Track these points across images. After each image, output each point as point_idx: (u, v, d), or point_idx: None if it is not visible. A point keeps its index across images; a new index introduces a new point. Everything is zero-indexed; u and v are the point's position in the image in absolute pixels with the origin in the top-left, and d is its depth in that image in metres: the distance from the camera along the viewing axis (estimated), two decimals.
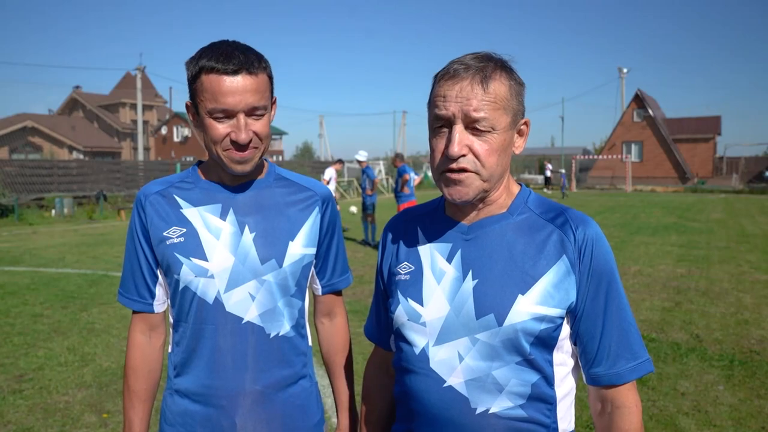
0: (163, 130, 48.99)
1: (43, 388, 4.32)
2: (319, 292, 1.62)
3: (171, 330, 1.49)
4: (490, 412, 1.15)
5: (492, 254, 1.19)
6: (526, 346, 1.14)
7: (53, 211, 19.16)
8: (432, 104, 1.18)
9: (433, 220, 1.31)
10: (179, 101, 53.73)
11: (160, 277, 1.47)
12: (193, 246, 1.40)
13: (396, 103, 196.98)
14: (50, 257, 10.63)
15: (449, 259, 1.23)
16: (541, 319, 1.13)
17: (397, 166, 10.76)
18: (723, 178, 40.99)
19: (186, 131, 46.68)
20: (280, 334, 1.45)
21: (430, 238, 1.28)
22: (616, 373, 1.17)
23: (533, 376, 1.15)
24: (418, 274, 1.27)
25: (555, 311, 1.14)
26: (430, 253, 1.26)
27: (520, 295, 1.14)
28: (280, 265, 1.44)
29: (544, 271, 1.15)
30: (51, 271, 9.21)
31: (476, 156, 1.13)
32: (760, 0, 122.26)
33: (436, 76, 1.19)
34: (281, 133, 58.96)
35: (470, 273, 1.19)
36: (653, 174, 40.77)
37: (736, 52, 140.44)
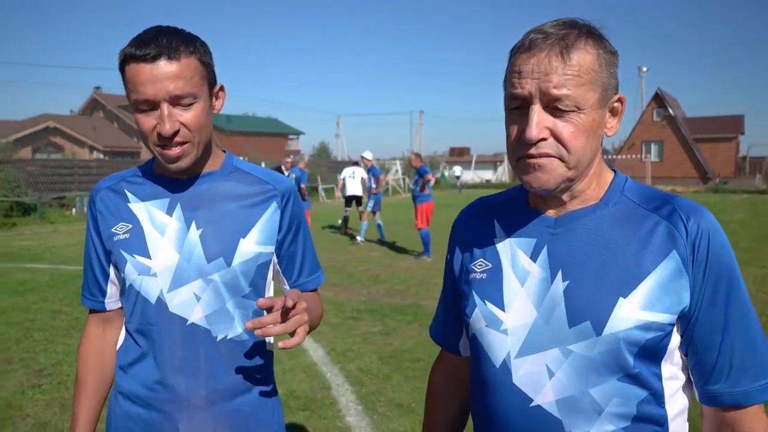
0: None
1: (61, 383, 4.35)
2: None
3: (123, 327, 1.44)
4: None
5: (585, 251, 1.01)
6: (630, 359, 0.96)
7: (74, 210, 19.42)
8: (507, 82, 1.01)
9: (513, 211, 1.13)
10: None
11: (111, 274, 1.41)
12: (137, 242, 1.33)
13: (413, 102, 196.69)
14: (70, 255, 10.75)
15: (534, 257, 1.05)
16: (648, 326, 0.95)
17: (416, 166, 10.70)
18: (746, 178, 40.36)
19: None
20: (228, 337, 1.34)
21: (510, 233, 1.10)
22: (742, 393, 0.97)
23: (639, 393, 0.98)
24: (496, 273, 1.10)
25: (664, 317, 0.96)
26: (510, 249, 1.09)
27: (621, 299, 0.96)
28: (229, 264, 1.33)
29: (650, 270, 0.97)
30: (70, 268, 9.30)
31: (559, 139, 0.96)
32: None
33: (512, 49, 1.01)
34: (298, 133, 59.18)
35: (560, 273, 1.02)
36: (673, 174, 40.22)
37: (759, 49, 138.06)
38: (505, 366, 1.04)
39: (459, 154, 54.41)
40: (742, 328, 0.98)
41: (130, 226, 1.34)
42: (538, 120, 0.95)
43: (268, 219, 1.39)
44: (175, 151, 1.25)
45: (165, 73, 1.19)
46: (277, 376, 4.37)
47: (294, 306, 1.14)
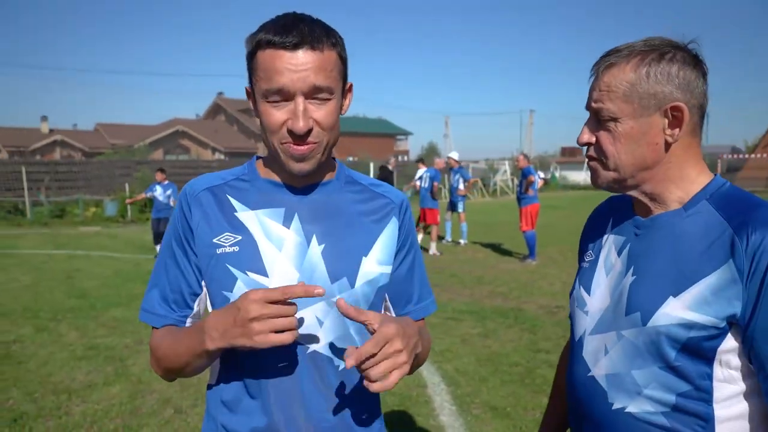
0: None
1: None
2: None
3: (218, 359, 1.23)
4: (626, 410, 1.12)
5: (655, 251, 1.13)
6: (671, 352, 1.06)
7: None
8: None
9: (623, 212, 1.27)
10: None
11: (203, 290, 1.23)
12: (250, 257, 1.16)
13: (523, 101, 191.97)
14: None
15: (619, 253, 1.21)
16: (690, 326, 1.03)
17: (521, 167, 10.52)
18: None
19: None
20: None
21: (614, 231, 1.26)
22: None
23: (680, 386, 1.06)
24: (594, 264, 1.27)
25: (709, 320, 1.02)
26: (607, 245, 1.26)
27: (671, 297, 1.06)
28: (353, 285, 1.20)
29: (705, 275, 1.03)
30: None
31: (598, 145, 1.15)
32: None
33: None
34: (406, 134, 59.81)
35: (632, 269, 1.16)
36: None
37: None
38: (581, 340, 1.24)
39: (571, 154, 52.36)
40: None
41: (239, 237, 1.18)
42: (586, 128, 1.18)
43: (389, 236, 1.27)
44: (303, 148, 1.12)
45: (306, 63, 1.08)
46: None
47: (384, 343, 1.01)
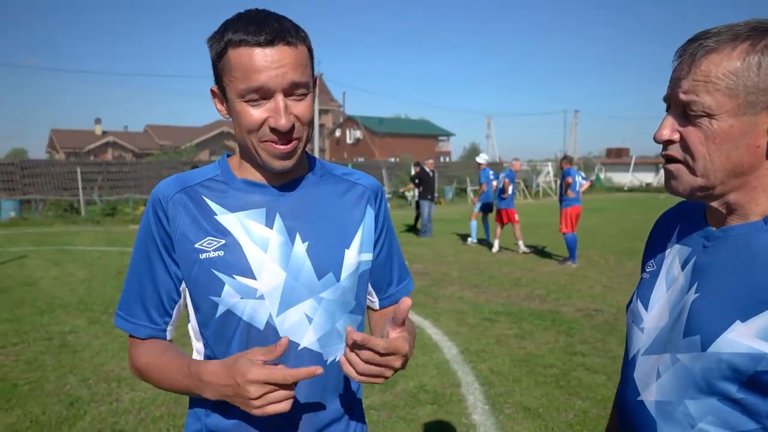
0: (337, 133, 52.25)
1: None
2: (377, 306, 1.37)
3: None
4: None
5: (724, 267, 0.98)
6: (733, 384, 0.91)
7: None
8: None
9: (693, 219, 1.12)
10: (352, 105, 56.75)
11: (182, 295, 1.22)
12: (237, 261, 1.15)
13: (567, 101, 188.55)
14: None
15: (683, 266, 1.06)
16: (759, 357, 0.88)
17: (563, 168, 10.44)
18: None
19: (357, 133, 49.20)
20: (337, 359, 1.21)
21: (680, 239, 1.12)
22: None
23: (744, 424, 0.92)
24: (655, 276, 1.13)
25: None
26: (671, 255, 1.11)
27: (738, 322, 0.91)
28: (338, 279, 1.20)
29: None
30: None
31: (685, 144, 0.96)
32: None
33: None
34: (448, 135, 59.62)
35: (695, 285, 1.01)
36: None
37: None
38: (634, 360, 1.10)
39: (617, 155, 51.26)
40: None
41: (223, 241, 1.16)
42: (668, 123, 0.99)
43: (367, 224, 1.28)
44: (287, 146, 1.12)
45: (283, 58, 1.07)
46: (410, 369, 4.64)
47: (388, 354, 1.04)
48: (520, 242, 11.50)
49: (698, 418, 0.96)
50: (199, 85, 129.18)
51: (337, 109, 58.61)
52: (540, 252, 11.40)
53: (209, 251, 1.15)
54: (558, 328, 5.90)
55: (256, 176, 1.22)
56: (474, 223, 12.69)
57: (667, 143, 0.99)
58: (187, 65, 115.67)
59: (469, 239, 12.69)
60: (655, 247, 1.19)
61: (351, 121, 50.38)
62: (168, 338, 1.25)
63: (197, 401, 1.22)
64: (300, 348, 1.18)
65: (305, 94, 1.13)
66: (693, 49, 0.94)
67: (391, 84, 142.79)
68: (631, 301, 1.19)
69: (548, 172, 37.09)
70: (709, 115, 0.93)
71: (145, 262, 1.20)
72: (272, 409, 1.01)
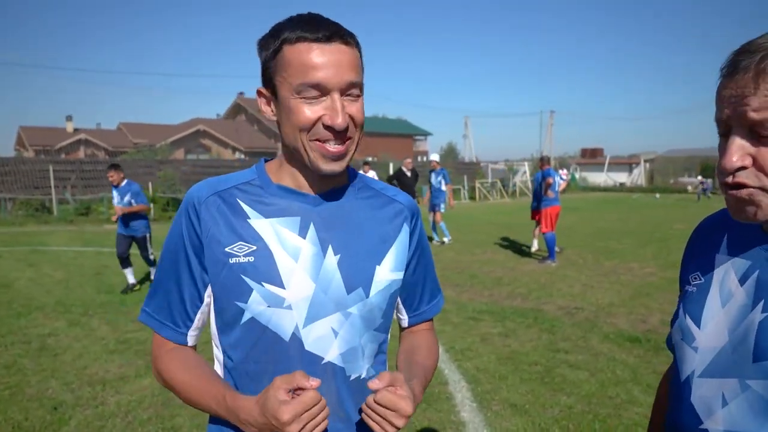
0: None
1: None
2: (405, 323, 1.37)
3: (219, 369, 1.22)
4: None
5: None
6: None
7: None
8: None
9: (745, 229, 1.03)
10: None
11: (206, 301, 1.20)
12: (267, 268, 1.12)
13: (543, 102, 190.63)
14: None
15: (742, 281, 0.99)
16: None
17: (543, 169, 10.59)
18: None
19: None
20: (362, 377, 1.20)
21: (732, 251, 1.03)
22: None
23: None
24: (704, 290, 1.05)
25: None
26: (725, 267, 1.03)
27: None
28: (367, 295, 1.18)
29: None
30: None
31: (762, 169, 0.87)
32: None
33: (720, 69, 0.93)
34: (426, 134, 59.80)
35: (762, 303, 0.94)
36: None
37: None
38: (688, 382, 1.02)
39: (591, 156, 51.98)
40: None
41: (254, 247, 1.13)
42: (736, 147, 0.88)
43: (401, 242, 1.26)
44: (340, 148, 1.10)
45: (341, 57, 1.06)
46: None
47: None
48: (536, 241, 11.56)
49: None
50: (174, 82, 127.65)
51: None
52: (520, 251, 11.52)
53: (240, 256, 1.13)
54: (540, 326, 5.98)
55: (293, 183, 1.19)
56: (443, 225, 12.61)
57: (737, 170, 0.89)
58: (163, 62, 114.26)
59: (445, 239, 12.57)
60: (697, 258, 1.11)
61: None
62: (190, 344, 1.23)
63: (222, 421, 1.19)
64: (324, 362, 1.16)
65: (359, 96, 1.11)
66: (754, 63, 0.85)
67: (368, 83, 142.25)
68: (677, 316, 1.11)
69: (525, 172, 37.44)
70: None
71: (173, 264, 1.19)
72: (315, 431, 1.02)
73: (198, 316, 1.21)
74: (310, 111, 1.07)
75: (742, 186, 0.89)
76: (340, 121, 1.06)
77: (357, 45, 1.12)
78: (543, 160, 10.90)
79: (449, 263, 10.08)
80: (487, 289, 7.95)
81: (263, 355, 1.15)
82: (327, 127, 1.08)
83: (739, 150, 0.88)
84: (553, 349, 5.22)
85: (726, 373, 0.95)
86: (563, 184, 11.15)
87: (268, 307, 1.13)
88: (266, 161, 1.27)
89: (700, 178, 26.77)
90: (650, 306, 6.83)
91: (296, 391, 1.03)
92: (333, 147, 1.09)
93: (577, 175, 40.29)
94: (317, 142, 1.09)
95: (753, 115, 0.85)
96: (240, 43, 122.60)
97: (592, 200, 28.33)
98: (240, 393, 1.12)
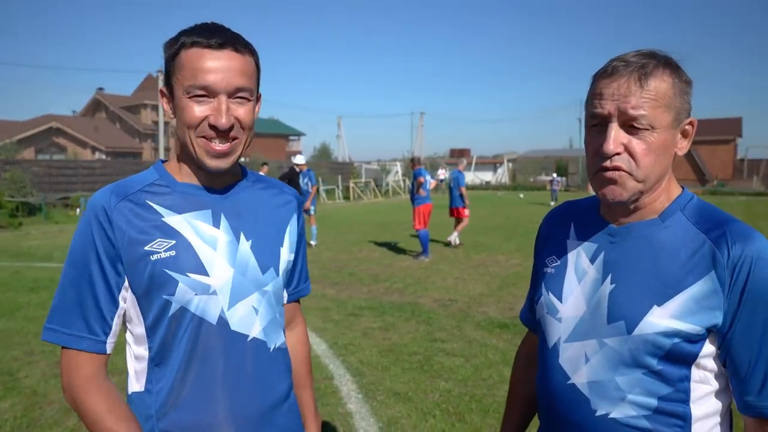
0: None
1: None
2: (285, 300, 1.47)
3: (141, 367, 1.24)
4: (610, 416, 1.12)
5: (635, 260, 1.14)
6: (654, 359, 1.09)
7: (78, 210, 19.75)
8: (589, 102, 1.14)
9: (587, 217, 1.27)
10: None
11: (121, 305, 1.22)
12: (189, 259, 1.20)
13: (414, 103, 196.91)
14: None
15: (592, 260, 1.20)
16: (675, 334, 1.06)
17: (414, 169, 11.02)
18: (744, 180, 40.60)
19: None
20: (277, 346, 1.34)
21: (580, 236, 1.25)
22: None
23: (662, 389, 1.09)
24: (562, 270, 1.26)
25: (692, 328, 1.06)
26: (577, 251, 1.24)
27: (655, 306, 1.08)
28: (278, 274, 1.33)
29: (687, 286, 1.07)
30: None
31: (632, 155, 1.08)
32: None
33: (595, 74, 1.14)
34: (299, 134, 59.43)
35: (610, 276, 1.16)
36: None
37: (757, 53, 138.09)
38: (555, 347, 1.22)
39: (459, 156, 54.58)
40: None
41: (174, 242, 1.20)
42: (615, 136, 1.08)
43: (292, 226, 1.41)
44: (224, 146, 1.19)
45: (230, 63, 1.16)
46: None
47: None
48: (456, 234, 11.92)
49: (627, 391, 1.11)
50: (22, 74, 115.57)
51: None
52: (395, 248, 11.90)
53: (160, 252, 1.19)
54: (418, 318, 6.28)
55: (197, 179, 1.27)
56: (314, 228, 12.35)
57: (612, 156, 1.09)
58: (5, 49, 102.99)
59: (312, 242, 12.21)
60: (551, 244, 1.33)
61: None
62: (108, 351, 1.22)
63: (144, 406, 1.23)
64: (249, 339, 1.26)
65: (248, 99, 1.20)
66: (633, 70, 1.07)
67: None
68: (540, 294, 1.30)
69: (397, 172, 38.51)
70: (652, 128, 1.07)
71: (84, 271, 1.19)
72: None
73: (115, 320, 1.22)
74: (197, 110, 1.16)
75: (617, 168, 1.09)
76: (223, 121, 1.16)
77: (252, 54, 1.23)
78: (414, 161, 11.36)
79: (328, 263, 10.19)
80: (366, 286, 8.17)
81: (191, 341, 1.20)
82: (212, 126, 1.17)
83: (617, 138, 1.08)
84: (431, 339, 5.51)
85: (587, 336, 1.16)
86: (433, 183, 11.69)
87: (196, 295, 1.20)
88: (163, 162, 1.33)
89: (554, 175, 28.85)
90: (516, 294, 7.41)
91: None
92: (217, 145, 1.19)
93: (448, 175, 42.06)
94: (203, 139, 1.18)
95: (631, 111, 1.06)
96: (98, 32, 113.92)
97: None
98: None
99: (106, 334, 1.21)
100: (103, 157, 40.55)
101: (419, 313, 6.51)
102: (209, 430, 1.22)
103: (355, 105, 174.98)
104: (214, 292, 1.21)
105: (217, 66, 1.15)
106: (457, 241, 12.05)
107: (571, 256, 1.25)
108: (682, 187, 1.20)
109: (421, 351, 5.14)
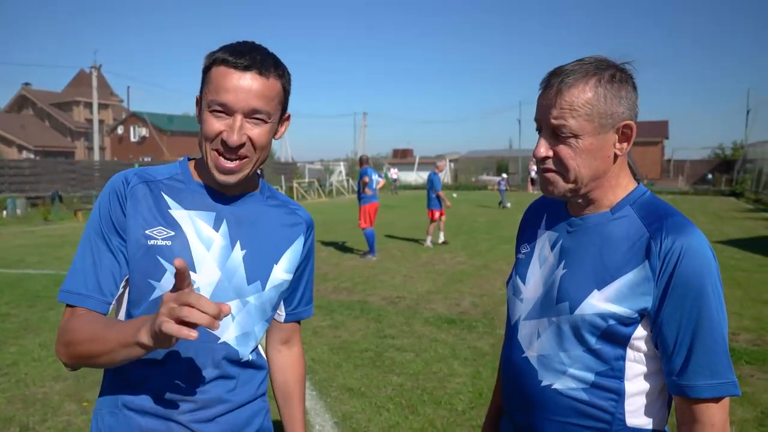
0: (120, 130, 47.87)
1: (20, 381, 4.46)
2: (282, 319, 1.52)
3: None
4: (553, 387, 1.25)
5: (585, 248, 1.26)
6: (592, 338, 1.20)
7: (5, 212, 18.76)
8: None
9: (557, 209, 1.38)
10: (137, 101, 52.58)
11: (126, 274, 1.28)
12: (182, 253, 1.25)
13: (357, 104, 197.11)
14: (11, 258, 10.53)
15: (552, 248, 1.33)
16: (610, 316, 1.18)
17: (361, 168, 11.08)
18: (670, 180, 42.72)
19: (144, 131, 45.65)
20: (251, 360, 1.36)
21: (548, 226, 1.38)
22: (691, 387, 1.15)
23: (598, 366, 1.21)
24: (529, 256, 1.39)
25: (625, 311, 1.17)
26: (543, 239, 1.37)
27: (595, 290, 1.20)
28: (263, 288, 1.36)
29: (624, 272, 1.18)
30: (12, 272, 9.15)
31: (559, 159, 1.21)
32: (708, 5, 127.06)
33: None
34: None
35: (563, 262, 1.28)
36: None
37: (681, 60, 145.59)
38: (516, 325, 1.36)
39: (402, 156, 55.08)
40: (702, 336, 1.14)
41: (173, 233, 1.27)
42: (542, 143, 1.23)
43: (295, 248, 1.43)
44: (233, 164, 1.25)
45: (251, 86, 1.22)
46: None
47: None
48: (429, 238, 12.14)
49: (569, 365, 1.24)
50: None
51: (119, 105, 53.90)
52: (342, 247, 11.93)
53: (158, 239, 1.26)
54: (367, 316, 6.35)
55: (211, 182, 1.33)
56: None
57: (544, 159, 1.23)
58: None
59: None
60: (526, 233, 1.46)
61: (136, 118, 46.58)
62: (107, 313, 1.27)
63: (111, 385, 1.30)
64: (220, 341, 1.30)
65: (264, 121, 1.26)
66: (557, 83, 1.19)
67: (181, 80, 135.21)
68: (510, 277, 1.44)
69: (341, 172, 38.47)
70: (575, 136, 1.19)
71: (101, 238, 1.27)
72: (175, 329, 0.96)
73: (122, 284, 1.28)
74: (215, 124, 1.23)
75: (549, 170, 1.24)
76: (234, 138, 1.21)
77: (279, 78, 1.28)
78: (361, 160, 11.43)
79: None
80: (315, 283, 8.14)
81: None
82: (223, 142, 1.23)
83: (545, 144, 1.23)
84: (381, 335, 5.60)
85: (540, 315, 1.30)
86: (381, 182, 11.77)
87: None
88: (189, 159, 1.41)
89: (504, 175, 28.41)
90: (462, 291, 7.60)
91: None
92: (225, 162, 1.25)
93: (389, 174, 42.39)
94: (215, 153, 1.25)
95: (553, 121, 1.20)
96: (24, 25, 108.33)
97: (405, 198, 30.11)
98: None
99: (113, 296, 1.27)
100: (32, 156, 38.65)
101: (368, 310, 6.58)
102: (166, 417, 1.26)
103: (298, 105, 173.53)
104: (198, 290, 1.25)
105: (237, 86, 1.21)
106: (443, 238, 12.42)
107: (539, 243, 1.38)
108: (638, 182, 1.31)
109: (372, 347, 5.21)
